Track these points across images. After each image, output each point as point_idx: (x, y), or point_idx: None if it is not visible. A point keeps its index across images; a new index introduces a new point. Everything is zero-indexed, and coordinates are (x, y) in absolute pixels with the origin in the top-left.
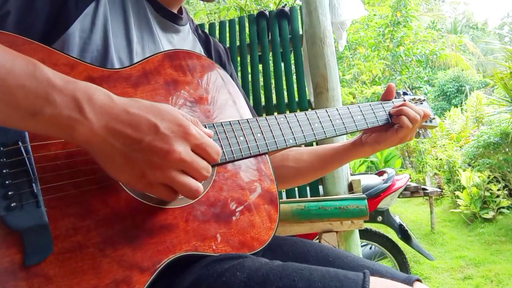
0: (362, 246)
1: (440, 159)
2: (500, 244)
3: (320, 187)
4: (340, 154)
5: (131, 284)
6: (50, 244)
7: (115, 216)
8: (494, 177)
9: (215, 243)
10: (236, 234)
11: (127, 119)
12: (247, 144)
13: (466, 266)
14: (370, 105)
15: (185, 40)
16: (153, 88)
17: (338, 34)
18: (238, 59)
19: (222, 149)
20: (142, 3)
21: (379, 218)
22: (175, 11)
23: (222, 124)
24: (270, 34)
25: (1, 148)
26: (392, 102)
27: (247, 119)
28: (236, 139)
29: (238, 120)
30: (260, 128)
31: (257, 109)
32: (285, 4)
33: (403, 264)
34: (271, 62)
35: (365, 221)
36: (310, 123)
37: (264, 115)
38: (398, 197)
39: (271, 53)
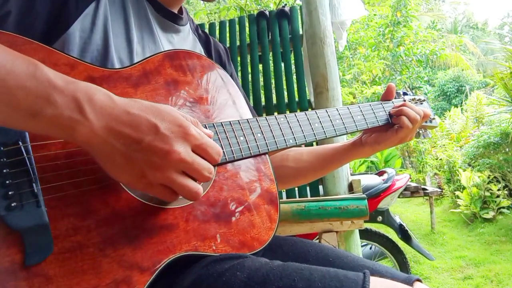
0: (362, 246)
1: (440, 159)
2: (500, 244)
3: (320, 187)
4: (340, 154)
5: (131, 284)
6: (50, 244)
7: (115, 216)
8: (494, 177)
9: (215, 243)
10: (236, 234)
11: (127, 119)
12: (247, 144)
13: (466, 266)
14: (370, 105)
15: (185, 40)
16: (153, 88)
17: (338, 34)
18: (238, 59)
19: (222, 149)
20: (142, 3)
21: (379, 218)
22: (175, 11)
23: (222, 124)
24: (270, 34)
25: (2, 148)
26: (392, 102)
27: (247, 119)
28: (236, 139)
29: (238, 120)
30: (260, 128)
31: (257, 109)
32: (285, 4)
33: (403, 264)
34: (271, 62)
35: (365, 221)
36: (310, 123)
37: (264, 115)
38: (398, 197)
39: (271, 53)
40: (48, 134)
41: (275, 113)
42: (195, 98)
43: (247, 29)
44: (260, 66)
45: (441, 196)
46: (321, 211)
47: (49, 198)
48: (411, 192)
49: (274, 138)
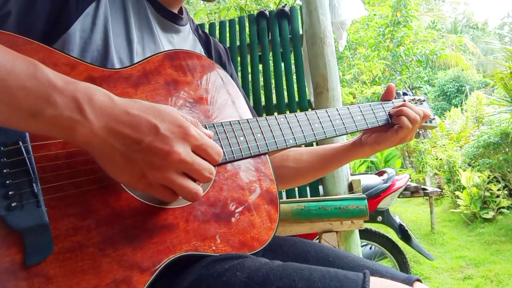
0: (362, 246)
1: (440, 159)
2: (500, 244)
3: (320, 187)
4: (340, 155)
5: (131, 284)
6: (51, 244)
7: (115, 216)
8: (494, 177)
9: (215, 243)
10: (236, 234)
11: (127, 120)
12: (247, 144)
13: (466, 266)
14: (370, 105)
15: (185, 40)
16: (153, 88)
17: (338, 34)
18: (238, 59)
19: (222, 149)
20: (142, 3)
21: (379, 218)
22: (176, 11)
23: (222, 124)
24: (270, 34)
25: (2, 148)
26: (392, 102)
27: (247, 119)
28: (236, 139)
29: (238, 120)
30: (260, 128)
31: (257, 109)
32: (285, 4)
33: (403, 264)
34: (271, 62)
35: (365, 221)
36: (310, 123)
37: (264, 115)
38: (398, 197)
39: (271, 53)
40: (48, 134)
41: (275, 113)
42: (195, 98)
43: (247, 29)
44: (260, 66)
45: (441, 196)
46: (321, 211)
47: (49, 198)
48: (411, 192)
49: (274, 138)
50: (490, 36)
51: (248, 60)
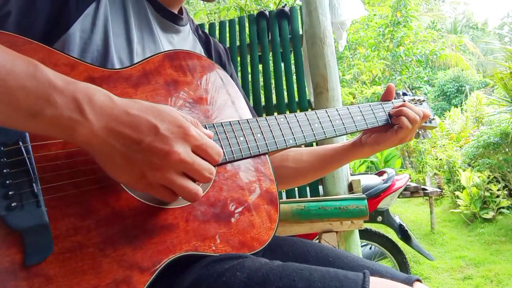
0: (362, 246)
1: (440, 159)
2: (500, 244)
3: (320, 187)
4: (340, 155)
5: (131, 284)
6: (51, 244)
7: (115, 216)
8: (494, 177)
9: (215, 243)
10: (236, 234)
11: (127, 120)
12: (247, 144)
13: (466, 266)
14: (369, 105)
15: (185, 40)
16: (153, 88)
17: (338, 34)
18: (238, 59)
19: (222, 149)
20: (142, 3)
21: (379, 218)
22: (176, 11)
23: (222, 125)
24: (270, 34)
25: (2, 148)
26: (392, 102)
27: (247, 119)
28: (236, 139)
29: (238, 120)
30: (260, 128)
31: (257, 109)
32: (285, 4)
33: (403, 264)
34: (271, 62)
35: (365, 221)
36: (310, 123)
37: (264, 115)
38: (398, 197)
39: (271, 53)
40: (48, 134)
41: (275, 113)
42: (194, 98)
43: (247, 29)
44: (260, 66)
45: (441, 196)
46: (321, 211)
47: (49, 198)
48: (411, 192)
49: (274, 139)
50: (490, 36)
51: (248, 60)
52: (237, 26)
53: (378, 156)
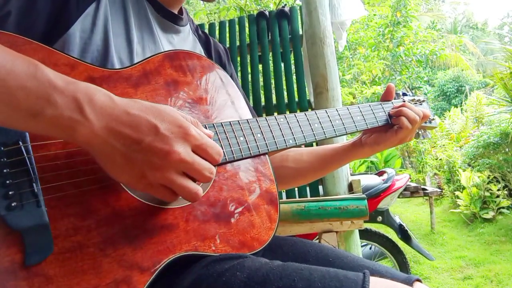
0: (362, 246)
1: (440, 159)
2: (500, 244)
3: (320, 187)
4: (340, 155)
5: (131, 284)
6: (51, 244)
7: (115, 216)
8: (494, 177)
9: (215, 243)
10: (236, 234)
11: (127, 120)
12: (247, 144)
13: (466, 266)
14: (369, 105)
15: (185, 40)
16: (153, 89)
17: (338, 34)
18: (238, 59)
19: (222, 149)
20: (142, 3)
21: (379, 218)
22: (176, 11)
23: (222, 125)
24: (270, 34)
25: (2, 148)
26: (392, 102)
27: (247, 120)
28: (236, 139)
29: (238, 121)
30: (260, 129)
31: (257, 109)
32: (285, 4)
33: (403, 264)
34: (271, 62)
35: (365, 221)
36: (310, 123)
37: (264, 115)
38: (398, 197)
39: (271, 53)
40: (48, 134)
41: (275, 113)
42: (194, 98)
43: (247, 29)
44: (260, 66)
45: (441, 196)
46: (321, 211)
47: (49, 198)
48: (411, 192)
49: (274, 139)
50: (490, 36)
51: (248, 60)
52: (237, 26)
53: (378, 156)
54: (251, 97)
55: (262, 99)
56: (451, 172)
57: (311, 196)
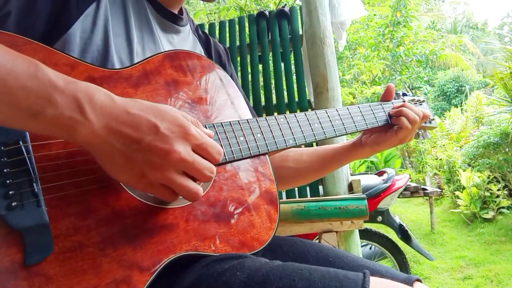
0: (362, 246)
1: (440, 159)
2: (500, 244)
3: (320, 187)
4: (340, 155)
5: (131, 283)
6: (51, 243)
7: (116, 216)
8: (494, 177)
9: (215, 243)
10: (236, 234)
11: (127, 119)
12: (247, 144)
13: (466, 266)
14: (369, 105)
15: (185, 40)
16: (153, 88)
17: (338, 34)
18: (238, 59)
19: (222, 149)
20: (142, 3)
21: (379, 218)
22: (176, 11)
23: (222, 124)
24: (270, 34)
25: (2, 148)
26: (392, 103)
27: (247, 120)
28: (236, 139)
29: (238, 120)
30: (260, 129)
31: (257, 109)
32: (285, 4)
33: (403, 264)
34: (271, 62)
35: (365, 221)
36: (310, 123)
37: (264, 115)
38: (398, 197)
39: (271, 53)
40: (49, 134)
41: (275, 113)
42: (194, 98)
43: (247, 29)
44: (260, 66)
45: (441, 196)
46: (321, 211)
47: (50, 197)
48: (411, 192)
49: (274, 139)
50: (490, 36)
51: (248, 60)
52: (237, 26)
53: (378, 156)
54: (251, 97)
55: (262, 99)
56: (451, 172)
57: (311, 196)
